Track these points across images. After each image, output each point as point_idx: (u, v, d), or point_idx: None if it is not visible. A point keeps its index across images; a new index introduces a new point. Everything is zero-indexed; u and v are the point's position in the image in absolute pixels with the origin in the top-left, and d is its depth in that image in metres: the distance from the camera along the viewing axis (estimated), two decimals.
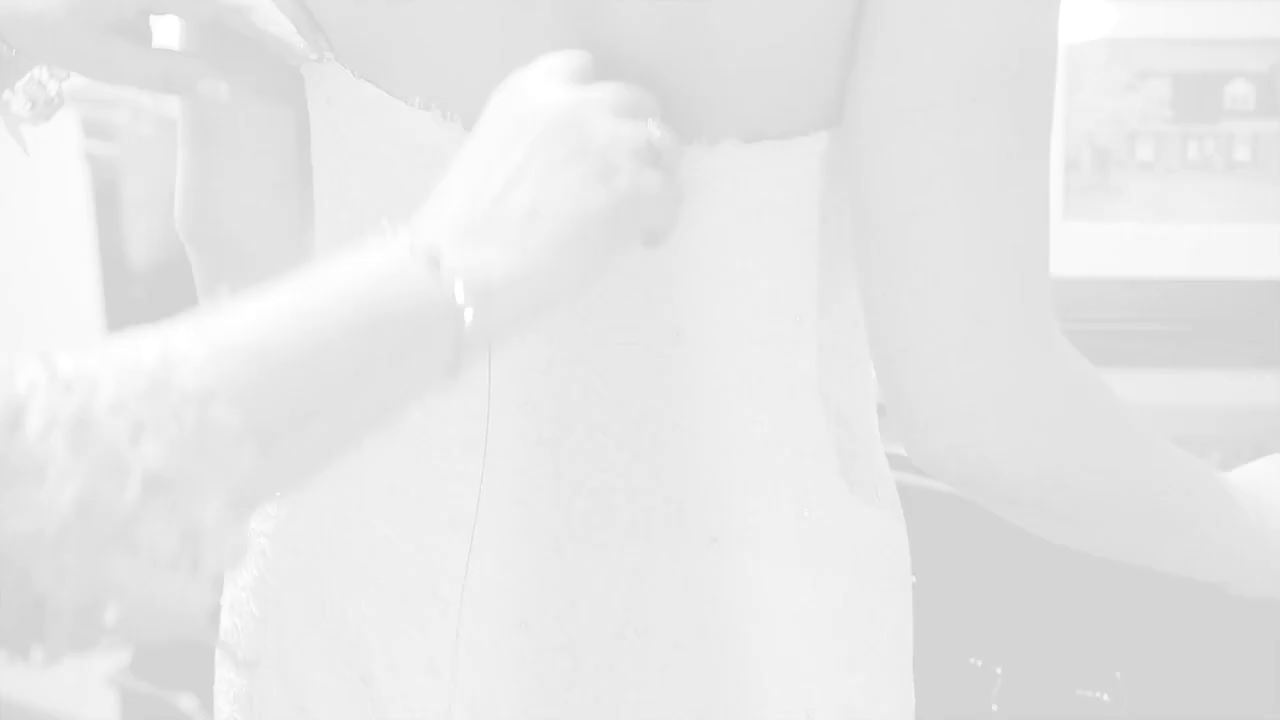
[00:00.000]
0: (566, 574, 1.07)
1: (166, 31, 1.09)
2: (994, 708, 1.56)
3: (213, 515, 0.76)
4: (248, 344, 0.79)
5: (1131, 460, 1.03)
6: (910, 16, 0.93)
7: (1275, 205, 1.84)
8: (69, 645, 0.76)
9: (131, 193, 2.42)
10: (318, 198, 1.10)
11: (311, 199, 1.10)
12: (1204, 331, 1.84)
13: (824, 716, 1.08)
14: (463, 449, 1.07)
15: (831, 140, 1.00)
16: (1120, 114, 1.85)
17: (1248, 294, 1.84)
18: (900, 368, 0.97)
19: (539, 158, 0.91)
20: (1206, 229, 1.85)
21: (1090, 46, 1.84)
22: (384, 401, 0.85)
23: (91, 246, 2.49)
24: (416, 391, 0.87)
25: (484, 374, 1.05)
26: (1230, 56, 1.84)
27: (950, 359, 0.96)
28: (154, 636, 0.77)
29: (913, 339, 0.96)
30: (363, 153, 1.06)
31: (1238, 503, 1.08)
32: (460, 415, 1.06)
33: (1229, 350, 1.82)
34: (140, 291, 2.44)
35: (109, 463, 0.74)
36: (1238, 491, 1.09)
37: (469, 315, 0.86)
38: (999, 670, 1.56)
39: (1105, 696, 1.53)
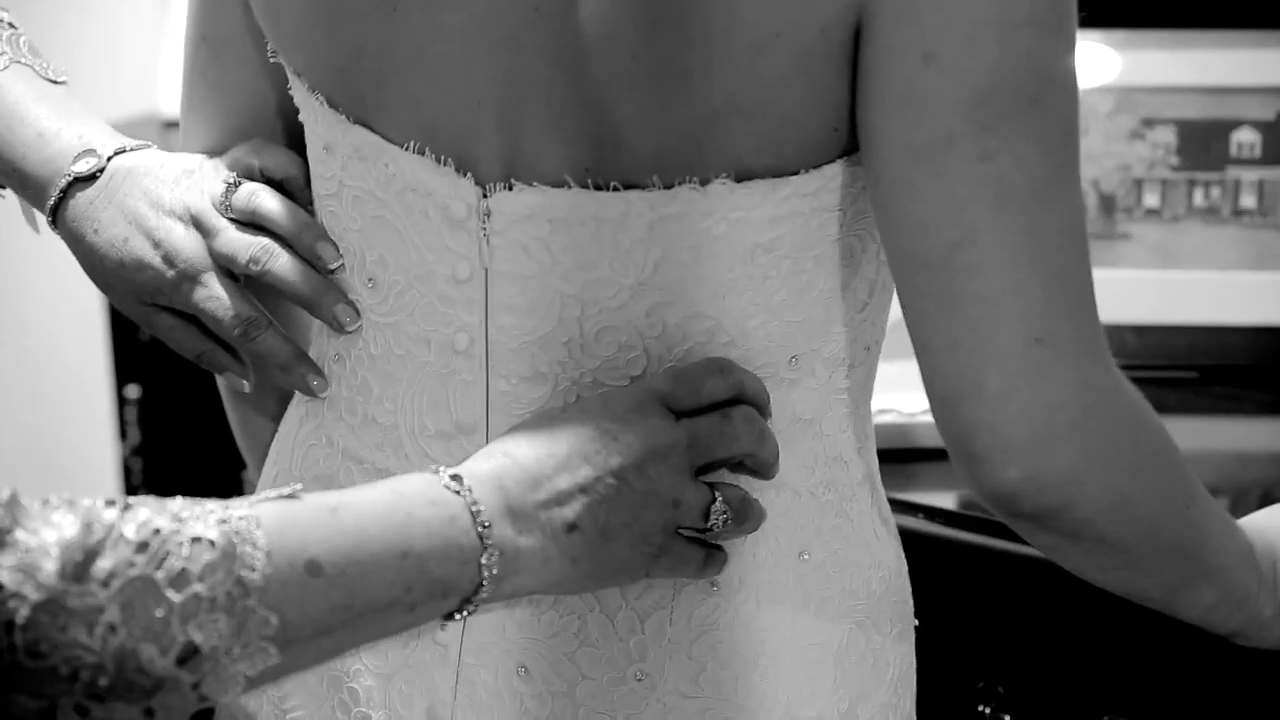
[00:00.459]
0: (566, 619, 1.06)
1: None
2: None
3: (231, 694, 0.84)
4: (304, 556, 0.87)
5: (1185, 489, 1.02)
6: (912, 55, 0.93)
7: None
8: None
9: None
10: None
11: None
12: (1211, 378, 1.84)
13: None
14: None
15: (823, 179, 0.99)
16: (1126, 161, 1.85)
17: (1254, 340, 1.84)
18: (967, 404, 0.96)
19: (602, 487, 0.96)
20: (1213, 276, 1.84)
21: (1096, 94, 1.84)
22: (389, 631, 0.92)
23: None
24: (414, 628, 0.94)
25: (486, 433, 1.05)
26: (1236, 104, 1.84)
27: (1020, 384, 0.95)
28: None
29: (979, 372, 0.95)
30: (360, 197, 1.06)
31: (1254, 552, 1.08)
32: (460, 459, 1.05)
33: (1236, 396, 1.81)
34: None
35: (159, 630, 0.82)
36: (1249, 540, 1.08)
37: (490, 589, 0.94)
38: (1006, 718, 1.55)
39: None
